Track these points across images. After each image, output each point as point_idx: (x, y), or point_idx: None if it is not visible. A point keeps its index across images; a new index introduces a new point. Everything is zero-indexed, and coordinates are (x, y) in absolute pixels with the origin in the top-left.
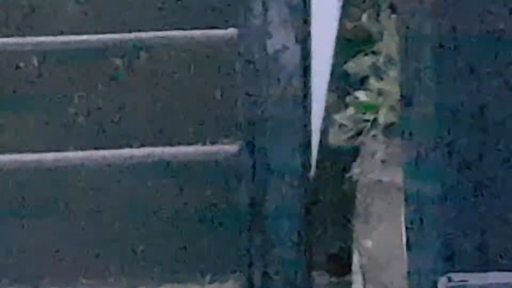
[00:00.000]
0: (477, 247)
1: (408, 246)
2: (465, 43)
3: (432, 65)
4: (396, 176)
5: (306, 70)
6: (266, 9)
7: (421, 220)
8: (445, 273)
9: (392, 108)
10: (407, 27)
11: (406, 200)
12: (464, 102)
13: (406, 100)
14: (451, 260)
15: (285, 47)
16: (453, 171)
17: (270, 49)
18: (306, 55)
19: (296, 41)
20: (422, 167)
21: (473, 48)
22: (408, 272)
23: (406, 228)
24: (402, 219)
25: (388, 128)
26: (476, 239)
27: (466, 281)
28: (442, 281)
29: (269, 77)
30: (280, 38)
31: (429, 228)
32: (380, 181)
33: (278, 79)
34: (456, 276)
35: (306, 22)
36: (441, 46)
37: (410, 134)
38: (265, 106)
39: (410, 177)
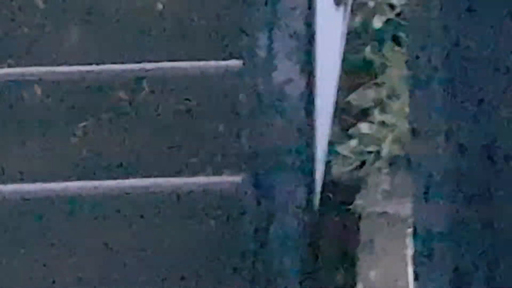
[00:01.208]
0: (485, 280)
1: (416, 279)
2: (475, 75)
3: (441, 97)
4: (400, 208)
5: (310, 102)
6: (271, 41)
7: (430, 253)
8: None
9: (396, 140)
10: (416, 58)
11: (414, 232)
12: (473, 134)
13: (415, 132)
14: None
15: (290, 79)
16: (462, 204)
17: (275, 81)
18: (310, 87)
19: (301, 73)
20: (430, 200)
21: (483, 80)
22: None
23: (415, 260)
24: (407, 251)
25: (392, 160)
26: (484, 273)
27: None
28: None
29: (274, 109)
30: (285, 70)
31: (437, 261)
32: (384, 213)
33: (283, 111)
34: None
35: (311, 54)
36: (450, 77)
37: (419, 166)
38: (270, 137)
39: (418, 209)
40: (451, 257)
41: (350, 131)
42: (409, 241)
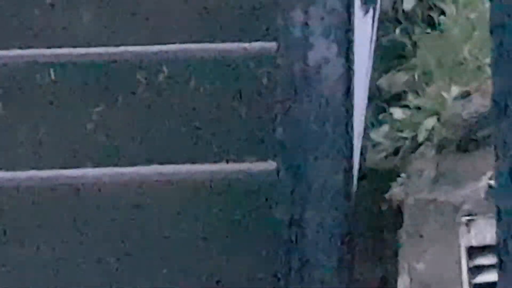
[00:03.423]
0: None
1: (501, 266)
2: None
3: None
4: (450, 195)
5: (348, 83)
6: (307, 19)
7: None
8: None
9: (445, 124)
10: (502, 28)
11: (498, 216)
12: None
13: (500, 108)
14: None
15: (327, 59)
16: None
17: (311, 61)
18: (348, 68)
19: (339, 53)
20: None
21: None
22: None
23: (499, 248)
24: (460, 241)
25: (440, 144)
26: None
27: None
28: None
29: (310, 91)
30: (322, 50)
31: None
32: (433, 200)
33: (319, 93)
34: None
35: (349, 33)
36: None
37: (504, 144)
38: (305, 121)
39: (503, 191)
40: None
41: (381, 116)
42: (463, 230)
